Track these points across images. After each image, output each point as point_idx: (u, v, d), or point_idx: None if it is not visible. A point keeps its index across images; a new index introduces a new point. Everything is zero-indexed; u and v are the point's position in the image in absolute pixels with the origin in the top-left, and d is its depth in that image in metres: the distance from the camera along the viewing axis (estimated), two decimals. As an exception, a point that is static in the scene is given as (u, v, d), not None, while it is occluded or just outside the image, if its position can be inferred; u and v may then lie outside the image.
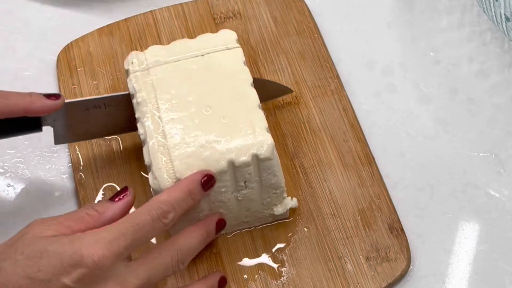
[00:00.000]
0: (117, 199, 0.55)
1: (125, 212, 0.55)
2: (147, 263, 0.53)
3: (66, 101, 0.60)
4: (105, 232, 0.51)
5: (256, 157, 0.56)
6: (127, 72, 0.61)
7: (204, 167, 0.55)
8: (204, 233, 0.57)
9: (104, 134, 0.66)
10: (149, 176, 0.56)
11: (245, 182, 0.57)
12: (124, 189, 0.56)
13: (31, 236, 0.51)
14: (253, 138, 0.56)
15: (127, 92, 0.62)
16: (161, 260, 0.53)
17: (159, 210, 0.53)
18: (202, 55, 0.61)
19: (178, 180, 0.55)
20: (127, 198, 0.55)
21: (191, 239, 0.55)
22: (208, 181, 0.55)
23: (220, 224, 0.58)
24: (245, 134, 0.57)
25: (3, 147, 0.69)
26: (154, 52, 0.62)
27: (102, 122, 0.63)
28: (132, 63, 0.61)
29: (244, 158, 0.56)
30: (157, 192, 0.56)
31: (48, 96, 0.58)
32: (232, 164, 0.56)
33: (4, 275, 0.49)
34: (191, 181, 0.55)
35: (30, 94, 0.58)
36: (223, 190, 0.57)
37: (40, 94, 0.58)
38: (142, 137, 0.58)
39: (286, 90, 0.69)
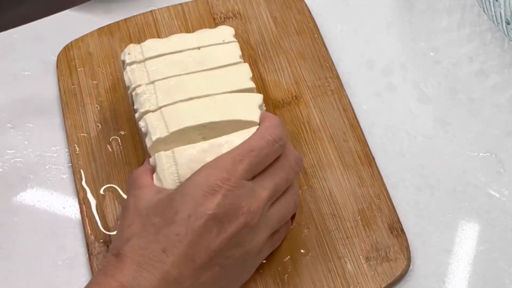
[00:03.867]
0: None
1: None
2: (271, 175, 0.55)
3: None
4: (221, 161, 0.54)
5: None
6: (123, 63, 0.62)
7: None
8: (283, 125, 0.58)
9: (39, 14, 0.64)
10: (154, 176, 0.57)
11: None
12: None
13: (144, 202, 0.54)
14: None
15: None
16: (284, 169, 0.56)
17: (273, 134, 0.55)
18: (199, 48, 0.62)
19: (181, 183, 0.55)
20: None
21: (294, 155, 0.58)
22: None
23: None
24: (246, 134, 0.57)
25: (3, 147, 0.69)
26: (151, 44, 0.62)
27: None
28: (129, 54, 0.61)
29: None
30: None
31: None
32: None
33: (154, 233, 0.51)
34: (275, 117, 0.59)
35: None
36: None
37: None
38: (143, 129, 0.59)
39: None
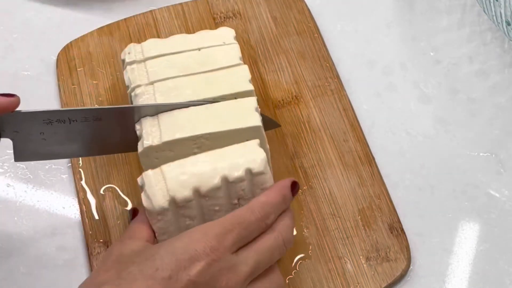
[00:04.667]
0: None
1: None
2: (254, 250, 0.53)
3: (24, 110, 0.57)
4: (210, 228, 0.52)
5: (249, 172, 0.55)
6: (123, 62, 0.62)
7: (198, 183, 0.54)
8: (283, 202, 0.56)
9: (70, 155, 0.63)
10: (142, 196, 0.55)
11: (238, 199, 0.56)
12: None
13: (129, 251, 0.52)
14: (246, 153, 0.56)
15: (98, 107, 0.60)
16: (267, 245, 0.54)
17: (262, 211, 0.54)
18: (199, 49, 0.62)
19: (172, 198, 0.54)
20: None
21: (287, 220, 0.56)
22: (295, 185, 0.56)
23: (295, 187, 0.57)
24: (239, 148, 0.56)
25: (3, 147, 0.68)
26: (152, 44, 0.62)
27: (68, 140, 0.59)
28: (129, 53, 0.61)
29: (238, 173, 0.55)
30: (151, 212, 0.54)
31: (1, 94, 0.56)
32: (226, 180, 0.55)
33: (125, 283, 0.49)
34: (283, 186, 0.56)
35: None
36: (216, 208, 0.56)
37: None
38: (138, 132, 0.59)
39: (273, 124, 0.67)
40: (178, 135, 0.57)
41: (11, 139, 0.58)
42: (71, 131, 0.58)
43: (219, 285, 0.51)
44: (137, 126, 0.59)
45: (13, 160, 0.67)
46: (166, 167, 0.55)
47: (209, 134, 0.57)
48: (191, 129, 0.57)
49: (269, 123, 0.65)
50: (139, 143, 0.58)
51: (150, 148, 0.57)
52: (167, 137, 0.57)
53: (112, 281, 0.49)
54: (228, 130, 0.57)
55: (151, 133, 0.58)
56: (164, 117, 0.58)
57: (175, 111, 0.59)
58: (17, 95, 0.56)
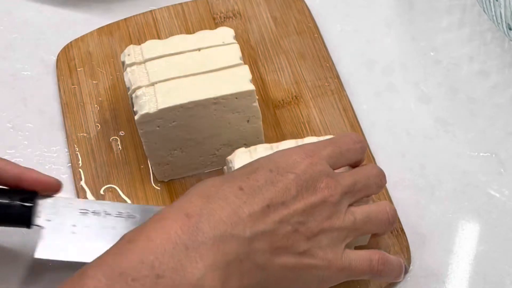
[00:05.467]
0: None
1: None
2: (351, 172, 0.55)
3: (63, 196, 0.57)
4: (304, 146, 0.55)
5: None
6: (123, 64, 0.62)
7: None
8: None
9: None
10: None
11: None
12: None
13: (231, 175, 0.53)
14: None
15: (132, 205, 0.60)
16: (363, 171, 0.56)
17: (354, 136, 0.56)
18: (199, 50, 0.62)
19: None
20: None
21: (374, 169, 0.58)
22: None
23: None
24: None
25: (3, 147, 0.68)
26: (151, 45, 0.62)
27: (97, 235, 0.57)
28: (129, 55, 0.61)
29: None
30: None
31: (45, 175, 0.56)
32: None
33: (248, 195, 0.50)
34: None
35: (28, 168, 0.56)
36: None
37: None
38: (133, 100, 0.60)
39: None
40: (176, 102, 0.59)
41: (42, 227, 0.56)
42: (105, 226, 0.57)
43: (319, 184, 0.52)
44: (133, 95, 0.60)
45: (13, 160, 0.67)
46: None
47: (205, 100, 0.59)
48: (187, 97, 0.59)
49: None
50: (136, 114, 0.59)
51: (147, 115, 0.59)
52: (163, 105, 0.59)
53: (241, 197, 0.50)
54: (223, 95, 0.59)
55: (147, 101, 0.59)
56: (160, 86, 0.60)
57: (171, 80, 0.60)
58: (61, 181, 0.57)
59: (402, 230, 0.62)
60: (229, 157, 0.59)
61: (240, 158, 0.58)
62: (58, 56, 0.73)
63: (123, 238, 0.48)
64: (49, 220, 0.56)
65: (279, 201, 0.50)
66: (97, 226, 0.57)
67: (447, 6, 0.76)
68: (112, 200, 0.64)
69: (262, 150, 0.59)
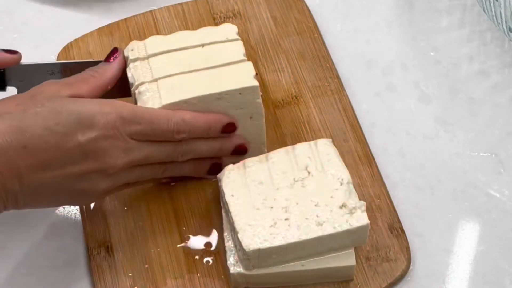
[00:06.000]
0: (111, 59, 0.60)
1: (120, 69, 0.61)
2: (152, 146, 0.58)
3: (27, 62, 0.62)
4: (124, 108, 0.56)
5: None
6: (126, 59, 0.62)
7: None
8: (219, 145, 0.61)
9: None
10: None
11: None
12: (114, 50, 0.61)
13: (49, 93, 0.56)
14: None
15: (90, 60, 0.65)
16: (165, 149, 0.58)
17: (177, 125, 0.57)
18: (202, 46, 0.62)
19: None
20: (119, 57, 0.61)
21: (203, 145, 0.60)
22: (229, 126, 0.60)
23: (229, 128, 0.61)
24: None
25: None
26: (154, 41, 0.62)
27: None
28: (132, 50, 0.61)
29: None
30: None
31: (6, 50, 0.61)
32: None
33: (25, 123, 0.52)
34: (217, 120, 0.59)
35: None
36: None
37: None
38: (130, 80, 0.61)
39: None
40: (178, 98, 0.59)
41: (16, 87, 0.62)
42: None
43: (108, 159, 0.55)
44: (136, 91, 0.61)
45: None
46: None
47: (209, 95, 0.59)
48: (191, 93, 0.59)
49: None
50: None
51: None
52: (167, 100, 0.59)
53: (14, 115, 0.53)
54: (227, 90, 0.60)
55: (150, 96, 0.59)
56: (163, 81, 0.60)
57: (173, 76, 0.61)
58: (20, 52, 0.61)
59: (402, 230, 0.62)
60: (218, 175, 0.60)
61: (230, 177, 0.59)
62: (58, 56, 0.73)
63: None
64: (21, 81, 0.62)
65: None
66: None
67: (447, 6, 0.76)
68: (112, 200, 0.64)
69: (250, 164, 0.59)
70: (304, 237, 0.55)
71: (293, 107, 0.69)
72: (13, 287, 0.62)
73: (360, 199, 0.64)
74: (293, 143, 0.67)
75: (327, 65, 0.72)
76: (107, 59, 0.61)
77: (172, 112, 0.58)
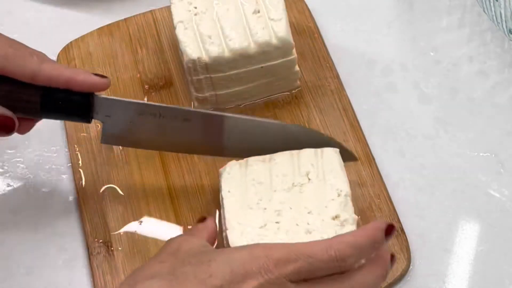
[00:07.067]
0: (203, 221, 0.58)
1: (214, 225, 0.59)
2: (317, 285, 0.50)
3: (120, 98, 0.61)
4: (275, 250, 0.49)
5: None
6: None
7: None
8: (384, 272, 0.51)
9: (157, 147, 0.65)
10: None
11: None
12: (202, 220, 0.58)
13: (187, 248, 0.52)
14: None
15: (188, 108, 0.64)
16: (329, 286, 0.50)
17: (340, 252, 0.49)
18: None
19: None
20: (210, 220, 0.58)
21: (369, 276, 0.51)
22: (391, 229, 0.51)
23: (391, 232, 0.52)
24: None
25: (3, 147, 0.69)
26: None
27: (154, 133, 0.62)
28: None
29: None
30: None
31: (95, 74, 0.59)
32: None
33: (177, 282, 0.48)
34: (377, 228, 0.50)
35: (77, 69, 0.59)
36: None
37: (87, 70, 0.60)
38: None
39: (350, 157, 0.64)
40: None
41: (102, 122, 0.61)
42: (161, 125, 0.61)
43: None
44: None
45: (13, 160, 0.67)
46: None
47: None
48: None
49: (345, 154, 0.63)
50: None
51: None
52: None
53: (164, 275, 0.49)
54: None
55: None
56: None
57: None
58: (109, 78, 0.59)
59: (402, 230, 0.62)
60: (221, 169, 0.60)
61: (230, 174, 0.59)
62: (58, 56, 0.73)
63: None
64: (108, 116, 0.60)
65: None
66: (154, 125, 0.61)
67: (447, 6, 0.76)
68: (112, 200, 0.64)
69: (253, 163, 0.59)
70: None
71: (293, 107, 0.69)
72: (13, 287, 0.62)
73: (360, 199, 0.64)
74: (293, 143, 0.67)
75: (327, 65, 0.72)
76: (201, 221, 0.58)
77: (329, 239, 0.50)
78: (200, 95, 0.67)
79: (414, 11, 0.76)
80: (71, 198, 0.66)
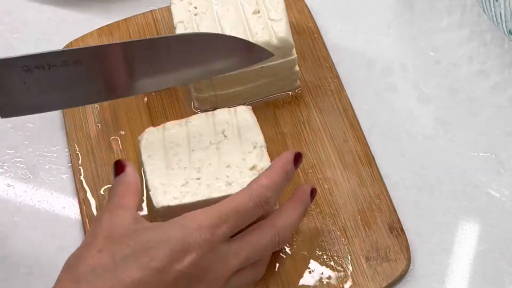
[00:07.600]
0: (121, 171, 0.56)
1: (135, 171, 0.56)
2: (248, 244, 0.53)
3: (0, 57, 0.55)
4: (205, 217, 0.52)
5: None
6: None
7: None
8: (303, 207, 0.57)
9: (56, 106, 0.60)
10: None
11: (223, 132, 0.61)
12: (119, 166, 0.57)
13: (120, 226, 0.52)
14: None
15: (75, 48, 0.61)
16: (262, 242, 0.54)
17: (262, 196, 0.53)
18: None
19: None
20: (127, 167, 0.56)
21: (291, 216, 0.56)
22: (298, 157, 0.57)
23: (314, 193, 0.59)
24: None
25: (3, 147, 0.69)
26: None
27: (49, 88, 0.57)
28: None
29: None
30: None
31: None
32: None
33: (120, 271, 0.49)
34: (285, 161, 0.56)
35: None
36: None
37: None
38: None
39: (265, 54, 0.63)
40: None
41: None
42: (53, 78, 0.56)
43: (208, 277, 0.51)
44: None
45: (13, 160, 0.67)
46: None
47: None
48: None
49: (260, 51, 0.62)
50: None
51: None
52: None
53: (106, 266, 0.49)
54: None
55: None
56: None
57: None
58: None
59: (402, 230, 0.63)
60: (139, 137, 0.61)
61: (149, 140, 0.60)
62: (58, 56, 0.73)
63: None
64: None
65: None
66: (46, 79, 0.55)
67: (447, 6, 0.76)
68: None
69: (170, 127, 0.61)
70: (212, 195, 0.57)
71: (293, 107, 0.69)
72: (13, 287, 0.62)
73: (360, 199, 0.64)
74: (293, 143, 0.67)
75: (327, 65, 0.72)
76: (117, 175, 0.56)
77: (247, 188, 0.54)
78: (200, 95, 0.67)
79: (414, 11, 0.76)
80: (71, 198, 0.66)
